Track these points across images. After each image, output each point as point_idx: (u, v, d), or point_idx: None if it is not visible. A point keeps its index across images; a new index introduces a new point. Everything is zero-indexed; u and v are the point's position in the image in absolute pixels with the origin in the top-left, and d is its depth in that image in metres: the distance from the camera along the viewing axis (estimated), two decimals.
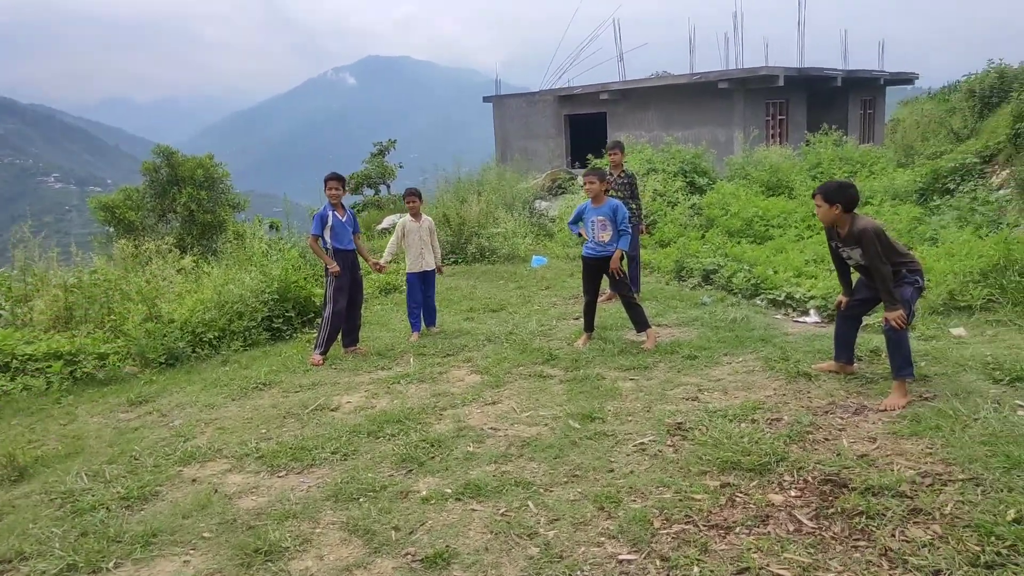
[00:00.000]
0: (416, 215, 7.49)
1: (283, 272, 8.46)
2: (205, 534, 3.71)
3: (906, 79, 25.71)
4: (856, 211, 4.90)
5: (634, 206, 8.39)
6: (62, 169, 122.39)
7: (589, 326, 6.82)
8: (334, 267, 6.73)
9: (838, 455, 3.99)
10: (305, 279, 8.89)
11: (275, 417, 5.39)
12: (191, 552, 3.55)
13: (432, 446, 4.57)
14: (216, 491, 4.18)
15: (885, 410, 4.57)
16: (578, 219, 6.75)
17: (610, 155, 8.51)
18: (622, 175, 8.42)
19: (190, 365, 7.18)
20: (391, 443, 4.70)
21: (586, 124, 21.88)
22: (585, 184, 6.57)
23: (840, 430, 4.37)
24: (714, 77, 18.56)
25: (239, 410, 5.65)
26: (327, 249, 6.83)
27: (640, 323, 6.55)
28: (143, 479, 4.38)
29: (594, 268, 6.68)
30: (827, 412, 4.66)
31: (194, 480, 4.39)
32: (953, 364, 5.27)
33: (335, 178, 6.83)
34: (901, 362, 4.69)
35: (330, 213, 6.79)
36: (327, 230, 6.78)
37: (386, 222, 17.74)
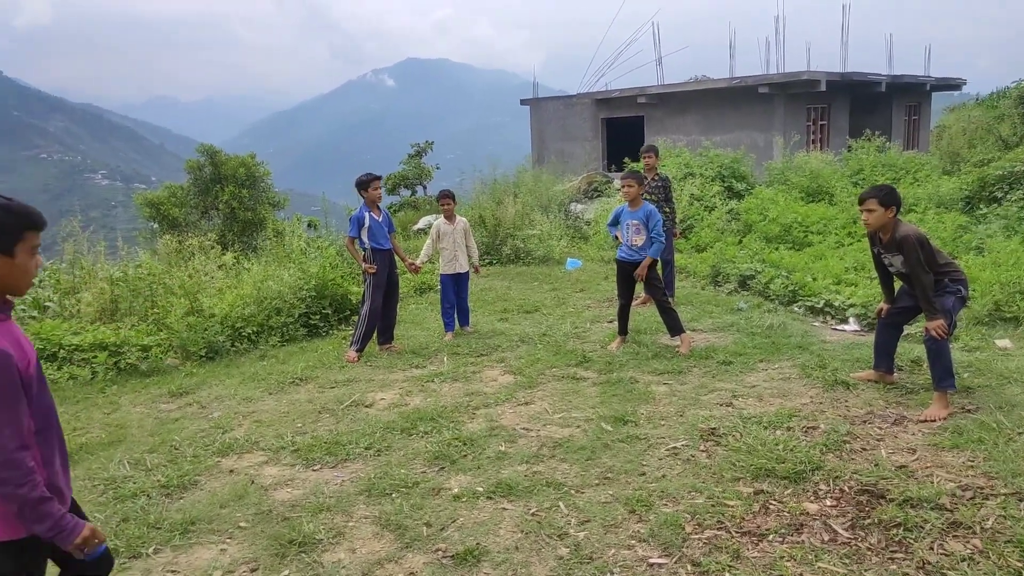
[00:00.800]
0: (450, 217, 7.51)
1: (321, 270, 8.59)
2: (241, 524, 3.79)
3: (953, 85, 25.09)
4: (899, 218, 4.82)
5: (668, 210, 8.35)
6: (109, 166, 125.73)
7: (623, 329, 6.80)
8: (370, 268, 6.82)
9: (876, 465, 3.92)
10: (342, 277, 9.00)
11: (311, 412, 5.48)
12: (228, 541, 3.63)
13: (464, 444, 4.60)
14: (253, 482, 4.27)
15: (925, 421, 4.49)
16: (616, 221, 6.74)
17: (644, 159, 8.50)
18: (656, 178, 8.39)
19: (229, 359, 7.32)
20: (424, 440, 4.74)
21: (623, 127, 21.78)
22: (623, 187, 6.56)
23: (878, 440, 4.29)
24: (754, 81, 18.33)
25: (276, 404, 5.75)
26: (365, 249, 6.91)
27: (674, 327, 6.50)
28: (183, 468, 4.48)
29: (628, 272, 6.65)
30: (865, 422, 4.58)
31: (231, 471, 4.49)
32: (997, 376, 5.14)
33: (376, 178, 6.94)
34: (942, 373, 4.59)
35: (367, 214, 6.86)
36: (364, 231, 6.86)
37: (422, 222, 17.87)
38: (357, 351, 6.86)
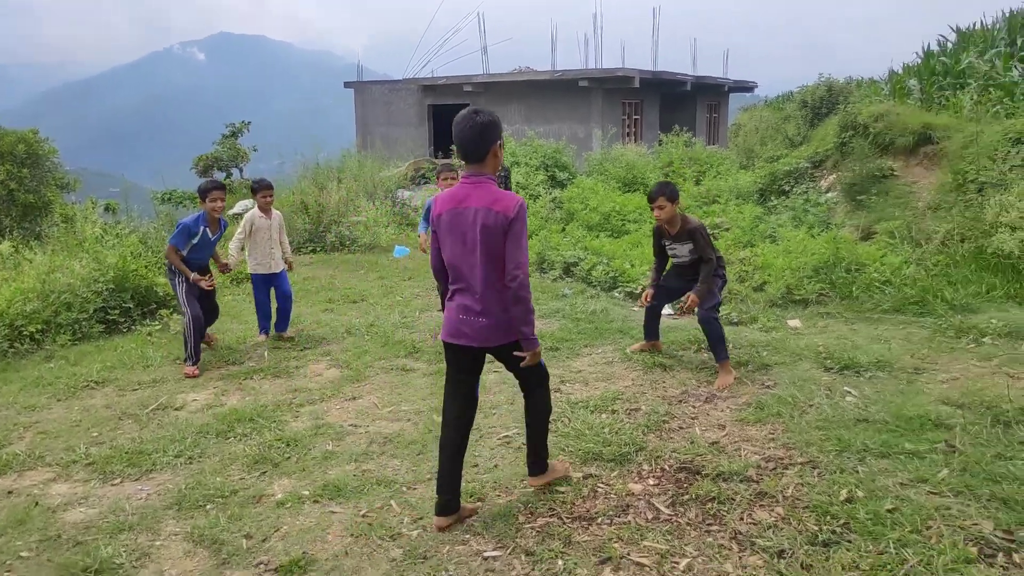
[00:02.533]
0: (266, 210, 6.72)
1: (121, 259, 7.76)
2: (23, 553, 3.30)
3: (747, 87, 27.64)
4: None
5: None
6: None
7: None
8: (195, 277, 6.02)
9: (691, 443, 4.17)
10: (146, 267, 8.20)
11: (109, 419, 4.92)
12: (6, 574, 3.15)
13: (288, 445, 4.34)
14: (37, 503, 3.75)
15: (719, 389, 5.05)
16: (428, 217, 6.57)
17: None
18: (500, 168, 8.43)
19: (7, 362, 6.41)
20: (243, 444, 4.41)
21: (450, 114, 21.66)
22: (446, 179, 6.47)
23: (693, 418, 4.57)
24: (574, 75, 19.03)
25: (66, 412, 5.10)
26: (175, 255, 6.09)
27: None
28: None
29: None
30: (681, 401, 4.87)
31: (10, 492, 3.91)
32: (791, 354, 5.66)
33: (219, 187, 6.07)
34: (719, 348, 5.27)
35: (202, 229, 6.02)
36: (188, 246, 6.01)
37: (238, 206, 16.76)
38: (194, 364, 5.97)
